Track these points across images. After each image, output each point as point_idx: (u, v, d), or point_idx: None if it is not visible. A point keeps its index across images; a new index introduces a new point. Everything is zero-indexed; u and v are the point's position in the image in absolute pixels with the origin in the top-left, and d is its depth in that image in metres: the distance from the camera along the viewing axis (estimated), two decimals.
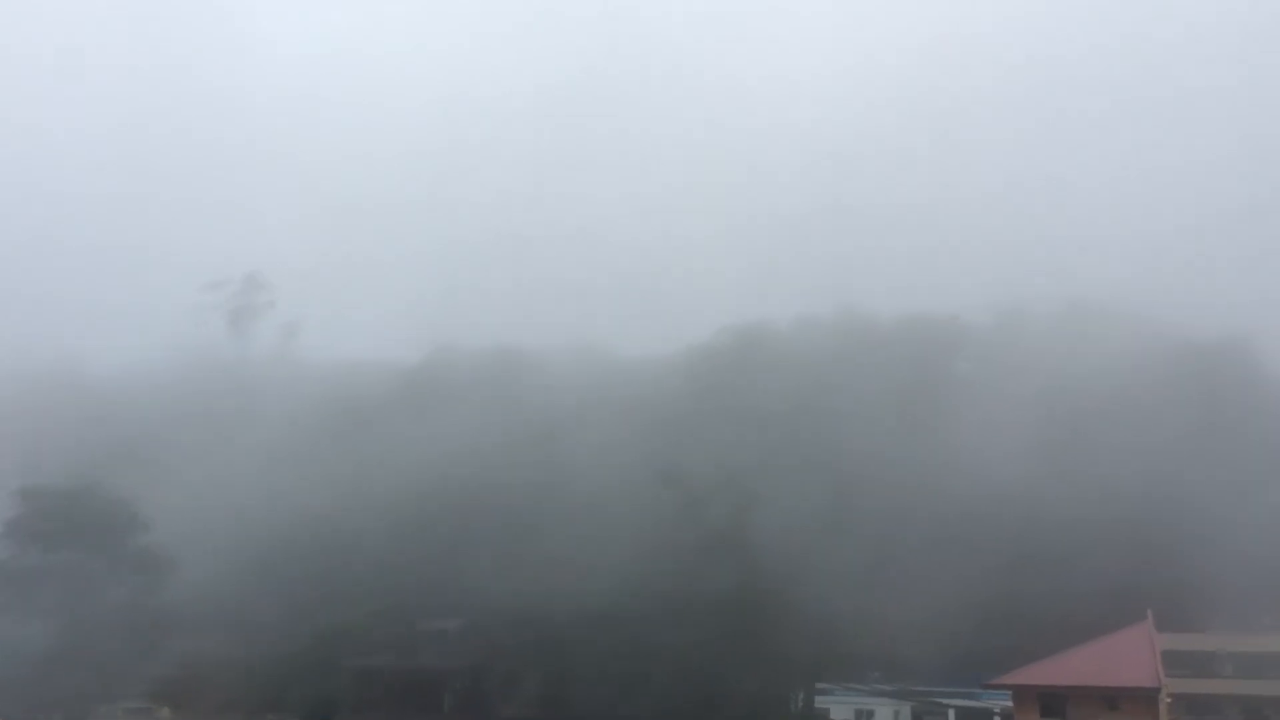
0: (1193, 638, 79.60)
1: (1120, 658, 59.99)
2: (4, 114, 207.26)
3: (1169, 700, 61.36)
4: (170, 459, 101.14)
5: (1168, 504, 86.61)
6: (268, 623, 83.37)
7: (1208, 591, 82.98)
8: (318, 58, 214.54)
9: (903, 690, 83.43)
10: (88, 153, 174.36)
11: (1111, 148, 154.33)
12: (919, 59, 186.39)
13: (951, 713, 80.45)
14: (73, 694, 75.43)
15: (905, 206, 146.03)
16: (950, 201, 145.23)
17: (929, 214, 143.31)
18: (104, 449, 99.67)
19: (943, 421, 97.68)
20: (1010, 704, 63.49)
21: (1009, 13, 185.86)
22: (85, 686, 75.49)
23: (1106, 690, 57.45)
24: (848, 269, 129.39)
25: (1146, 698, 57.37)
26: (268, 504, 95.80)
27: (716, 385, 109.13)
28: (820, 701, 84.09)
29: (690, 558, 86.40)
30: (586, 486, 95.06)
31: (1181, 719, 68.13)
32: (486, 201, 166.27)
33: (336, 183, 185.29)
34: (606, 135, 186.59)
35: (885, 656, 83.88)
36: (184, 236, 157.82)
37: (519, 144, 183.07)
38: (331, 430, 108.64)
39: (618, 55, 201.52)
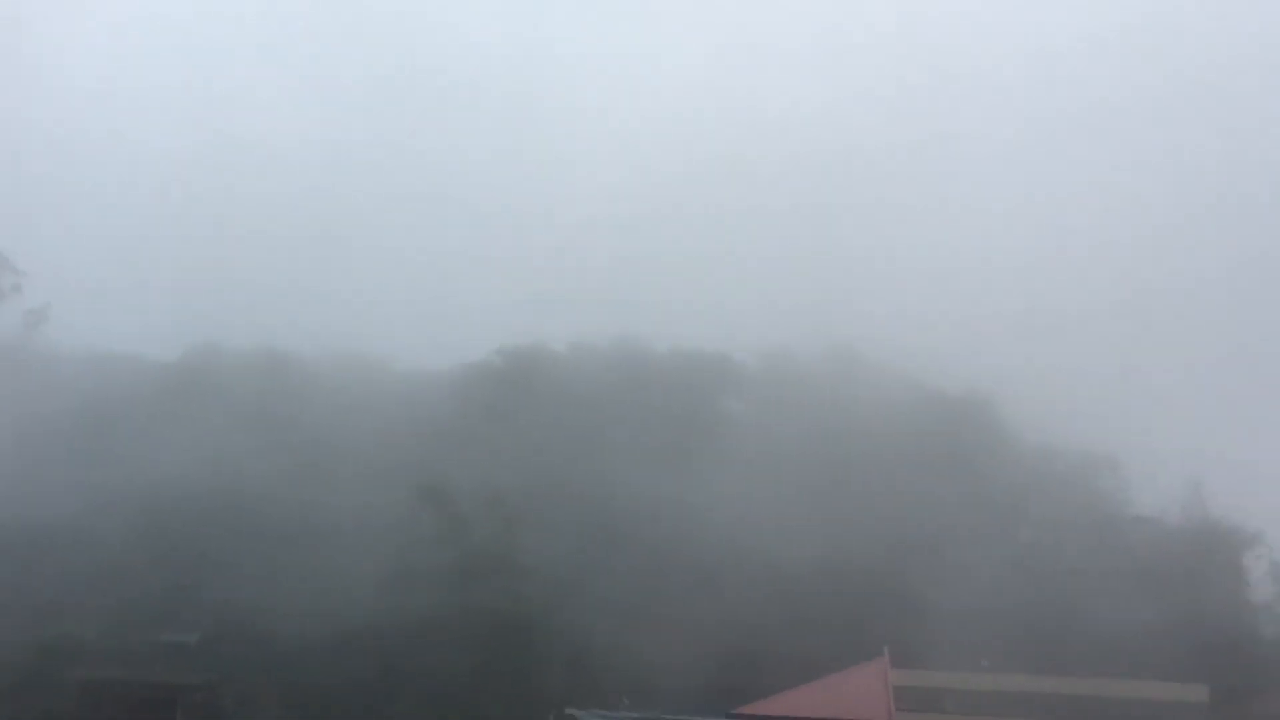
0: (923, 674, 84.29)
1: (855, 692, 63.06)
2: None
3: None
4: None
5: (912, 548, 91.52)
6: None
7: (942, 632, 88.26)
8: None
9: (651, 717, 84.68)
10: None
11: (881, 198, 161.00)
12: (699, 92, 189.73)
13: None
14: None
15: (685, 240, 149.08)
16: (725, 238, 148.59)
17: (707, 249, 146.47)
18: None
19: (710, 458, 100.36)
20: None
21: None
22: None
23: None
24: (625, 298, 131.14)
25: None
26: None
27: (489, 405, 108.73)
28: None
29: (450, 579, 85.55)
30: (348, 500, 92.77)
31: None
32: (260, 197, 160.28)
33: (97, 164, 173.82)
34: (394, 136, 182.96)
35: (637, 684, 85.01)
36: None
37: (302, 139, 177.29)
38: (75, 425, 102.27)
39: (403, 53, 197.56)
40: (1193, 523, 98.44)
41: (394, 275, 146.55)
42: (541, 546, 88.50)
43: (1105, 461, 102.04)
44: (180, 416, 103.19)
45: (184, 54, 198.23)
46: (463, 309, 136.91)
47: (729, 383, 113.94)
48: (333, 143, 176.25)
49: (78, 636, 77.40)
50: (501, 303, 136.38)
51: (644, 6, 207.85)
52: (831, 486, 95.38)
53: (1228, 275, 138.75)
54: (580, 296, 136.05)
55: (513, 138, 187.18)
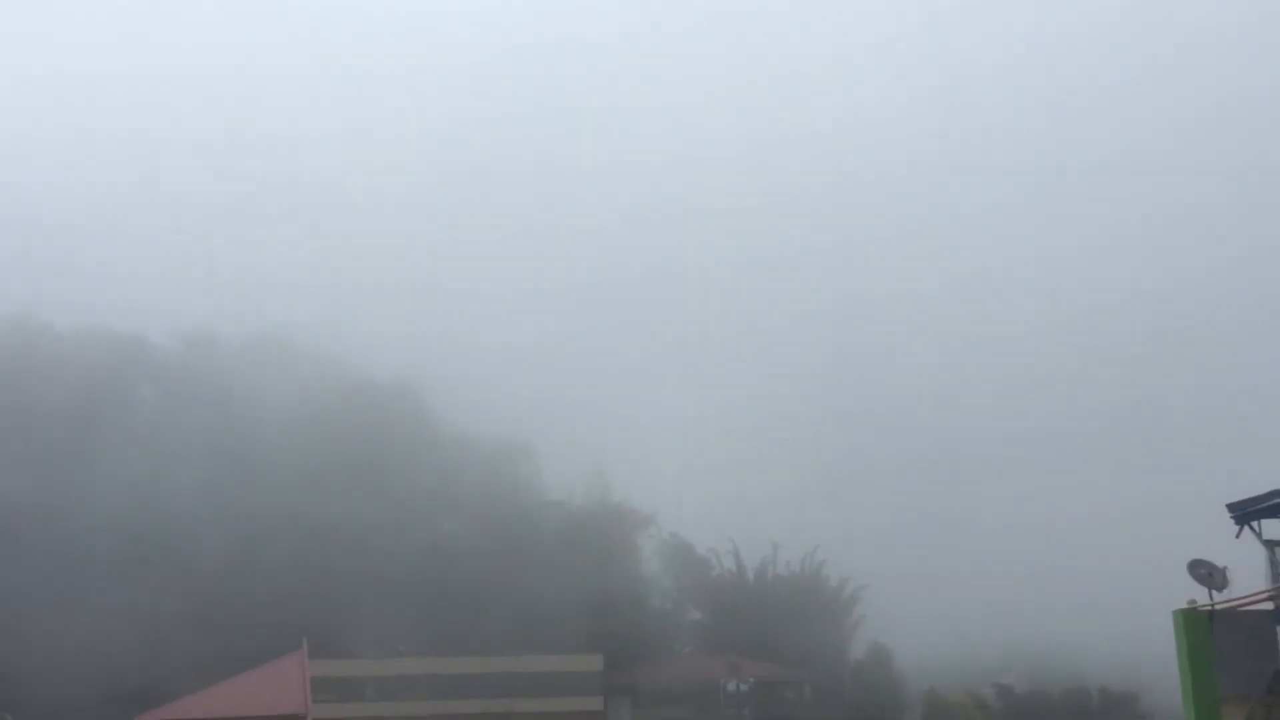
0: (343, 664, 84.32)
1: (272, 686, 60.77)
2: None
3: None
4: None
5: (333, 538, 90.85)
6: None
7: (363, 621, 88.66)
8: None
9: None
10: None
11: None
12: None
13: None
14: None
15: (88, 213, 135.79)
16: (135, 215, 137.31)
17: (113, 225, 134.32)
18: None
19: (121, 445, 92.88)
20: None
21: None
22: None
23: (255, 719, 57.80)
24: (19, 274, 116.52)
25: None
26: None
27: None
28: None
29: None
30: None
31: None
32: None
33: None
34: None
35: (19, 699, 76.83)
36: None
37: None
38: None
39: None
40: (596, 504, 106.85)
41: None
42: None
43: (521, 449, 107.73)
44: None
45: None
46: None
47: (143, 366, 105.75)
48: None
49: None
50: None
51: None
52: (249, 478, 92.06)
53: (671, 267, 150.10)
54: None
55: None
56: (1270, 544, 24.79)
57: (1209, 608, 24.21)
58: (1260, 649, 24.34)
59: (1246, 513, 24.88)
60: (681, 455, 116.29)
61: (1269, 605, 24.25)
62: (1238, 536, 25.18)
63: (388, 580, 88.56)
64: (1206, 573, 24.35)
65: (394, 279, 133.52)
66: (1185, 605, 24.48)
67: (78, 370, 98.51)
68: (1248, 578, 24.90)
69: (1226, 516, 25.34)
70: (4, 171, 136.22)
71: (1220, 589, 24.32)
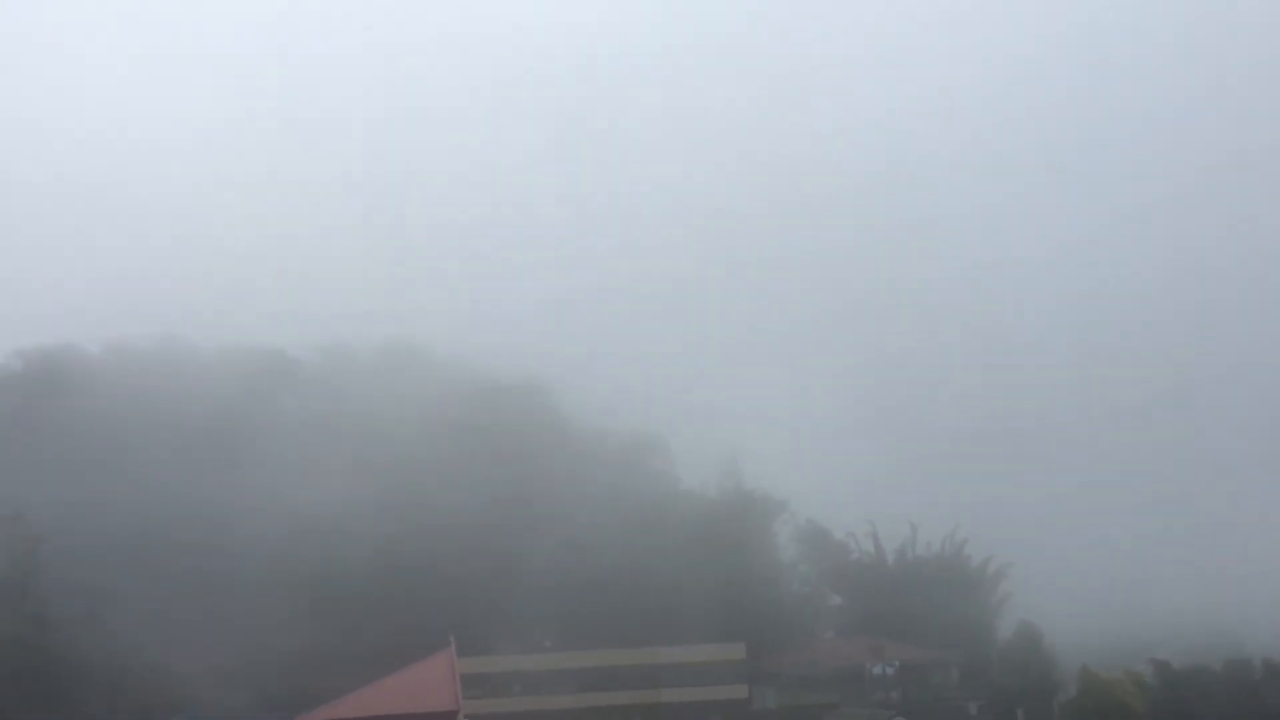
0: (490, 660, 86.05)
1: (424, 685, 62.41)
2: None
3: None
4: None
5: (473, 537, 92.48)
6: None
7: (507, 617, 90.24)
8: None
9: None
10: None
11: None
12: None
13: None
14: None
15: (228, 233, 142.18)
16: (274, 236, 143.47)
17: (253, 246, 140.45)
18: None
19: (263, 458, 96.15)
20: None
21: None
22: None
23: (408, 717, 59.27)
24: (168, 296, 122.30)
25: None
26: None
27: (8, 414, 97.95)
28: None
29: None
30: None
31: None
32: None
33: None
34: None
35: (194, 699, 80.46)
36: None
37: None
38: None
39: None
40: (729, 494, 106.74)
41: None
42: (71, 567, 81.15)
43: (651, 442, 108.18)
44: None
45: None
46: None
47: (284, 379, 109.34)
48: None
49: None
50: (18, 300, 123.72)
51: None
52: (391, 480, 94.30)
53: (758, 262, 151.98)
54: (117, 296, 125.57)
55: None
56: None
57: None
58: None
59: None
60: (811, 440, 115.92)
61: None
62: None
63: (527, 577, 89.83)
64: None
65: (519, 283, 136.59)
66: None
67: (224, 385, 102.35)
68: None
69: None
70: (147, 199, 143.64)
71: None
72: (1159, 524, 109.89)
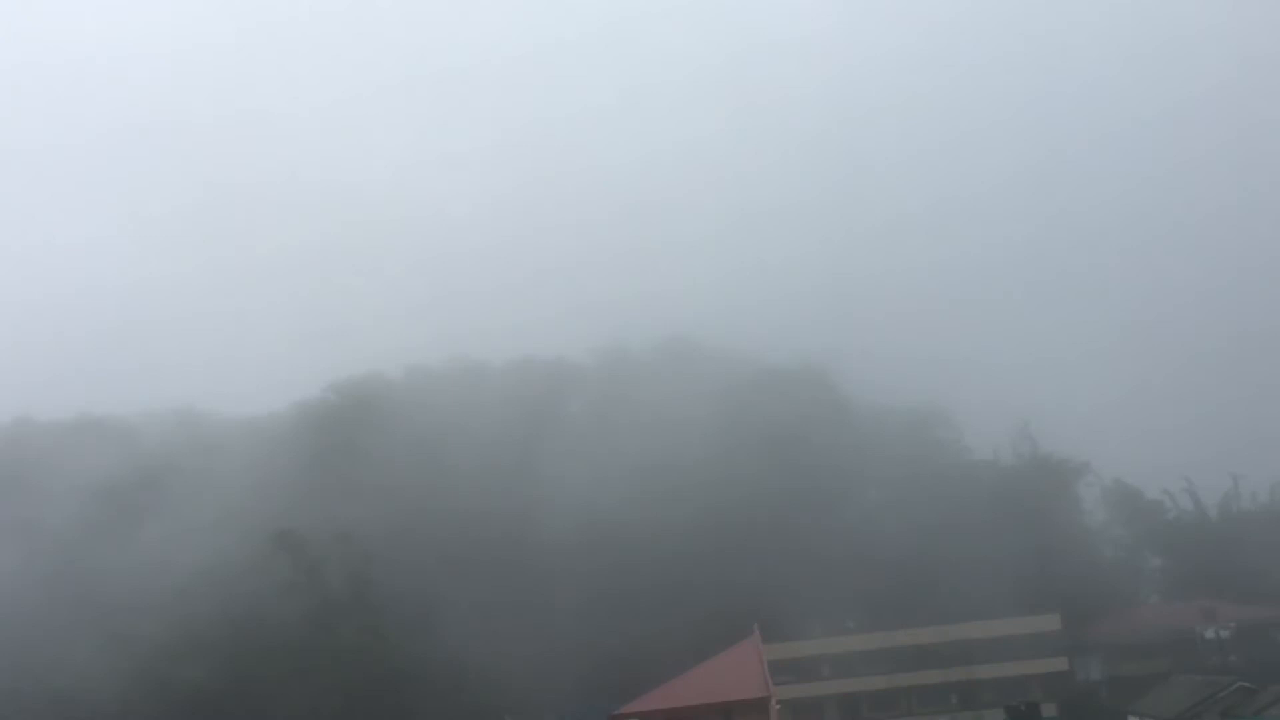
0: (795, 646, 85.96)
1: (732, 673, 63.36)
2: None
3: (778, 706, 65.36)
4: None
5: (764, 523, 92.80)
6: None
7: (805, 602, 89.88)
8: None
9: None
10: None
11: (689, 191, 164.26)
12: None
13: None
14: None
15: (506, 251, 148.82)
16: (550, 246, 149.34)
17: (531, 258, 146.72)
18: None
19: (557, 461, 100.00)
20: None
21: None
22: None
23: (722, 705, 60.28)
24: (454, 316, 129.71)
25: (758, 708, 60.76)
26: None
27: (329, 442, 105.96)
28: None
29: (307, 624, 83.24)
30: (189, 558, 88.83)
31: None
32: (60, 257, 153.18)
33: None
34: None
35: (515, 700, 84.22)
36: None
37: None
38: None
39: None
40: (1025, 460, 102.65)
41: (201, 325, 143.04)
42: (398, 578, 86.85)
43: (937, 414, 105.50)
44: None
45: None
46: (285, 347, 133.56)
47: (567, 384, 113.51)
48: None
49: None
50: (325, 336, 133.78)
51: None
52: (676, 474, 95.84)
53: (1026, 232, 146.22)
54: (408, 320, 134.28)
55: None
56: None
57: None
58: None
59: None
60: (1109, 398, 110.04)
61: None
62: None
63: (824, 561, 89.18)
64: None
65: (788, 270, 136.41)
66: None
67: (515, 397, 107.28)
68: None
69: None
70: (433, 226, 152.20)
71: None
72: None
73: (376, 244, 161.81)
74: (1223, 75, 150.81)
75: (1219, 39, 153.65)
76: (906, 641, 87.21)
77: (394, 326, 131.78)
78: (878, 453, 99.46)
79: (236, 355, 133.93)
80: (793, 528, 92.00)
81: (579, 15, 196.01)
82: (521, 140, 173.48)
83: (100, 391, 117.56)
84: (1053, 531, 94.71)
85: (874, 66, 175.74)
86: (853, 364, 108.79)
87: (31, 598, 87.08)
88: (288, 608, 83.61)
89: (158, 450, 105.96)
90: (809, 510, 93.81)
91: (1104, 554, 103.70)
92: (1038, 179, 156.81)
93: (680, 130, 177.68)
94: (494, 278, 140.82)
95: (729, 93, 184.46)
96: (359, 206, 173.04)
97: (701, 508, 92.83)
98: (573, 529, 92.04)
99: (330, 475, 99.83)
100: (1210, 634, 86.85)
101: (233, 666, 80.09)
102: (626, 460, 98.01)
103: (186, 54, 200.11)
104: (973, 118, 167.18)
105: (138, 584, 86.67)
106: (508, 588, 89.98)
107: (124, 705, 77.33)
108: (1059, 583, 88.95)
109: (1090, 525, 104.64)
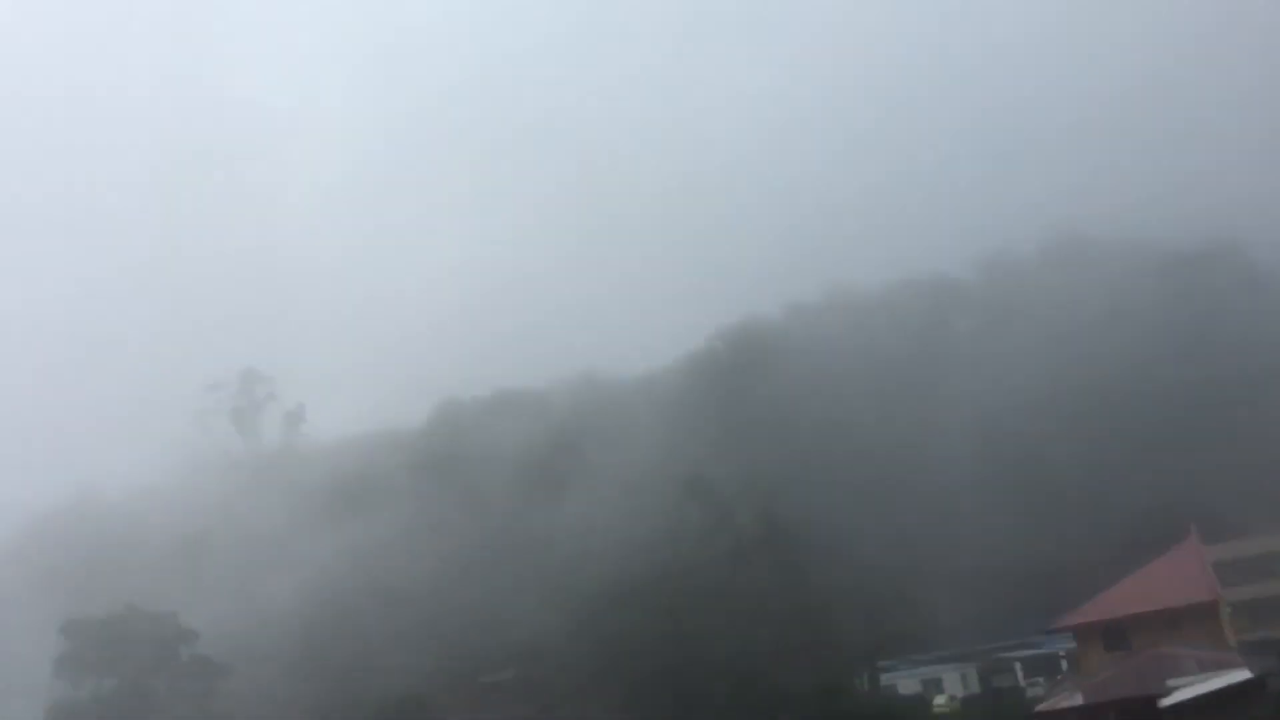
0: (1240, 544, 79.54)
1: (1173, 578, 59.58)
2: None
3: (1230, 610, 61.29)
4: (200, 566, 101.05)
5: (1177, 411, 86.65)
6: (326, 711, 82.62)
7: (1242, 496, 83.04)
8: None
9: (966, 652, 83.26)
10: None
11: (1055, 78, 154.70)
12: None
13: (1018, 665, 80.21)
14: None
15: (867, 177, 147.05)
16: (915, 170, 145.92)
17: (895, 181, 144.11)
18: (135, 570, 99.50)
19: (949, 381, 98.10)
20: (1074, 645, 63.40)
21: None
22: None
23: (1166, 613, 56.98)
24: (827, 248, 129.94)
25: (1207, 612, 57.15)
26: (295, 592, 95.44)
27: (720, 387, 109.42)
28: (885, 679, 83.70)
29: (726, 562, 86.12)
30: (609, 515, 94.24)
31: (1245, 627, 67.68)
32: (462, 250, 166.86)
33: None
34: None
35: (942, 623, 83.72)
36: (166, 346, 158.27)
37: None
38: (348, 504, 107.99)
39: None
40: None
41: (589, 295, 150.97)
42: (804, 512, 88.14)
43: None
44: (435, 475, 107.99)
45: None
46: (667, 304, 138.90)
47: (951, 302, 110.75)
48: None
49: (413, 693, 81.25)
50: (702, 287, 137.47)
51: None
52: (1078, 377, 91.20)
53: None
54: (782, 257, 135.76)
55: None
56: None
57: None
58: None
59: None
60: None
61: None
62: None
63: (1257, 450, 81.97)
64: None
65: (1176, 146, 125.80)
66: None
67: (900, 318, 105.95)
68: None
69: None
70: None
71: None
72: None
73: (736, 188, 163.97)
74: None
75: None
76: None
77: (769, 267, 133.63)
78: None
79: (625, 319, 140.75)
80: (1217, 420, 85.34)
81: None
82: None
83: (513, 368, 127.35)
84: None
85: None
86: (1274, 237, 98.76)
87: (481, 559, 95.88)
88: (705, 551, 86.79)
89: (568, 417, 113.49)
90: (1233, 402, 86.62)
91: None
92: None
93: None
94: (862, 201, 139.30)
95: None
96: (714, 152, 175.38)
97: (1111, 407, 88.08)
98: (975, 446, 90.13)
99: (727, 420, 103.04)
100: None
101: (662, 611, 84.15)
102: (1023, 370, 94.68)
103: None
104: None
105: (569, 541, 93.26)
106: (914, 511, 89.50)
107: (572, 653, 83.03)
108: None
109: None
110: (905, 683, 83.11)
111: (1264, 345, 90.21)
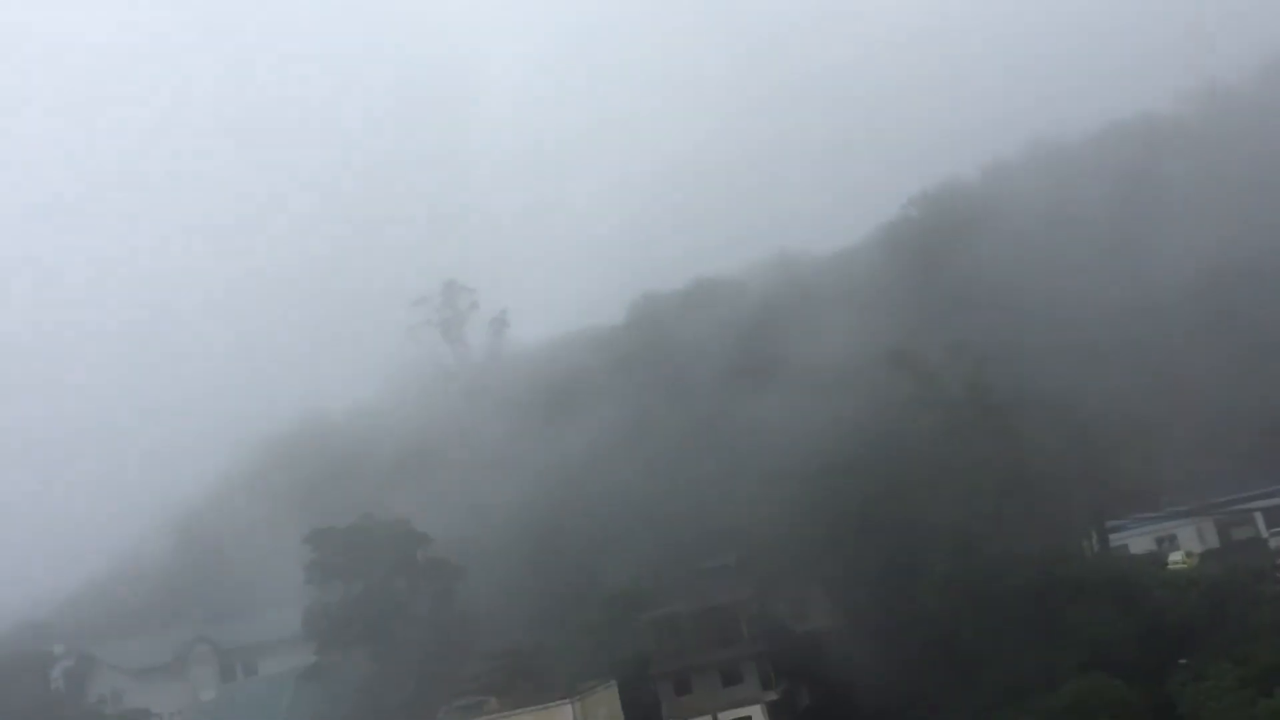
0: None
1: None
2: None
3: None
4: (424, 476, 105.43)
5: None
6: (556, 604, 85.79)
7: None
8: None
9: (1202, 507, 79.86)
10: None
11: None
12: None
13: (1259, 516, 76.57)
14: (405, 705, 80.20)
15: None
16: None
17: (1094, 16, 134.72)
18: (364, 484, 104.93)
19: (1162, 229, 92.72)
20: None
21: None
22: (415, 696, 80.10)
23: None
24: (1025, 101, 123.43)
25: None
26: (515, 494, 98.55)
27: (919, 257, 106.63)
28: (1116, 539, 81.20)
29: (939, 437, 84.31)
30: (812, 398, 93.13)
31: None
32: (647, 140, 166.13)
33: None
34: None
35: (1174, 480, 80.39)
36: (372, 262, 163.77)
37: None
38: (557, 406, 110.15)
39: None
40: None
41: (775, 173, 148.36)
42: (1018, 382, 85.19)
43: None
44: (639, 367, 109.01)
45: None
46: (857, 175, 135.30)
47: (1164, 142, 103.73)
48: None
49: (634, 585, 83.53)
50: (896, 152, 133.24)
51: None
52: None
53: None
54: (979, 114, 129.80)
55: None
56: None
57: None
58: None
59: None
60: None
61: None
62: None
63: None
64: None
65: None
66: None
67: (1107, 165, 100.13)
68: None
69: None
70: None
71: None
72: None
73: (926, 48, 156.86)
74: None
75: None
76: None
77: (962, 126, 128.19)
78: None
79: (817, 194, 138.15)
80: None
81: None
82: None
83: (707, 256, 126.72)
84: None
85: None
86: None
87: (691, 450, 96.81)
88: (917, 424, 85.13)
89: (767, 300, 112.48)
90: None
91: None
92: None
93: None
94: (1060, 43, 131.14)
95: None
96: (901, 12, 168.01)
97: None
98: (1200, 290, 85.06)
99: (928, 290, 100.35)
100: None
101: (877, 486, 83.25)
102: (1246, 205, 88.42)
103: None
104: None
105: (777, 425, 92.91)
106: (1136, 372, 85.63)
107: (789, 535, 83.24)
108: None
109: None
110: (1137, 541, 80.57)
111: None
